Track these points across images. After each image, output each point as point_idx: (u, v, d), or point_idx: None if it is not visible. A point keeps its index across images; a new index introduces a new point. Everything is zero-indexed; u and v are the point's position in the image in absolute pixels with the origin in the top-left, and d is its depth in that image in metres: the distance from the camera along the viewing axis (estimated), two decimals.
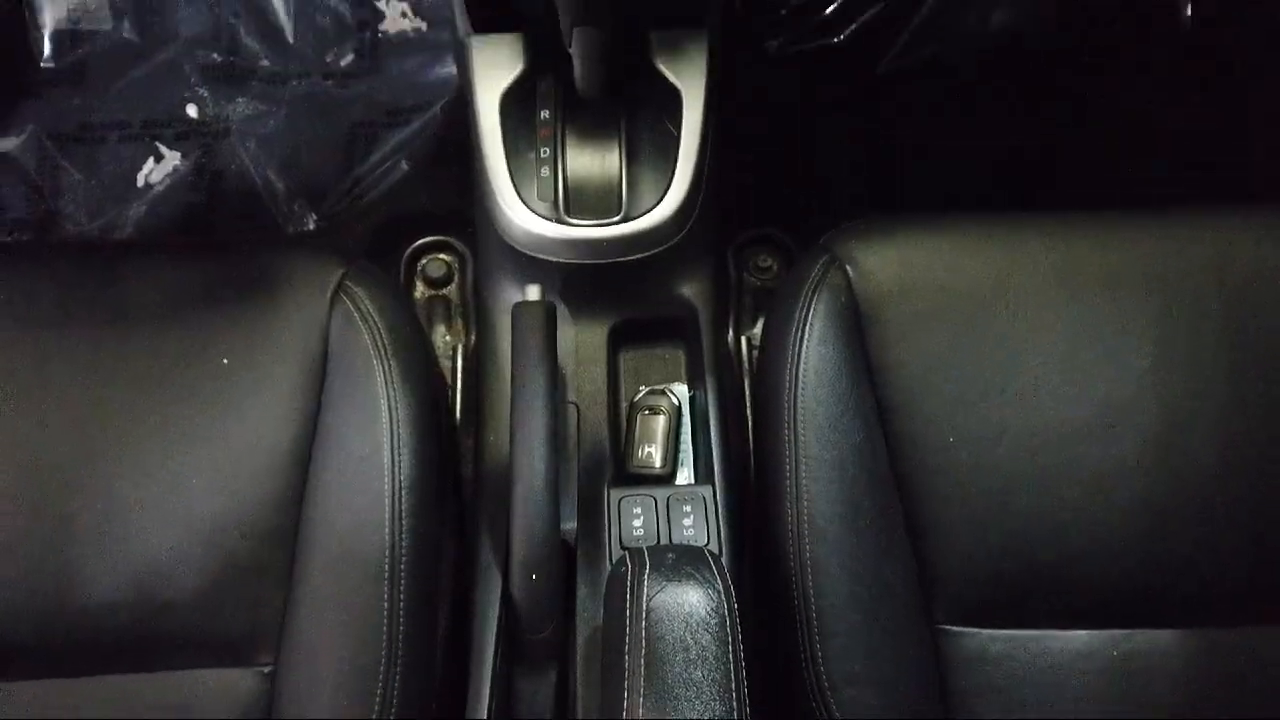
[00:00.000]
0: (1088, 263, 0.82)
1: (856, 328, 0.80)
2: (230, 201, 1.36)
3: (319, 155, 1.38)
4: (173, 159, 1.38)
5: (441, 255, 1.26)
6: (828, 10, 1.40)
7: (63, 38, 1.42)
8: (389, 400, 0.77)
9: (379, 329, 0.79)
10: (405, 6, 1.43)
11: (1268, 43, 1.32)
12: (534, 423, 0.80)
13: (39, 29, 1.42)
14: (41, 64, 1.41)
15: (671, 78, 0.91)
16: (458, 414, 1.11)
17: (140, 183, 1.37)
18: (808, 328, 0.79)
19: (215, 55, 1.41)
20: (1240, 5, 1.32)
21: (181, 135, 1.39)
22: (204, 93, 1.40)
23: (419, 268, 1.26)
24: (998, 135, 1.37)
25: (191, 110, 1.40)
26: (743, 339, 1.18)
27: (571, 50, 0.81)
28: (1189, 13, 1.32)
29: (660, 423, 0.94)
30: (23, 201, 1.36)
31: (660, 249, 0.91)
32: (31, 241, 1.34)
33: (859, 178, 1.38)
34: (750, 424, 1.07)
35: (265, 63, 1.41)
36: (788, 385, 0.79)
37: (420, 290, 1.26)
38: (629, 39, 0.90)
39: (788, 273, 1.24)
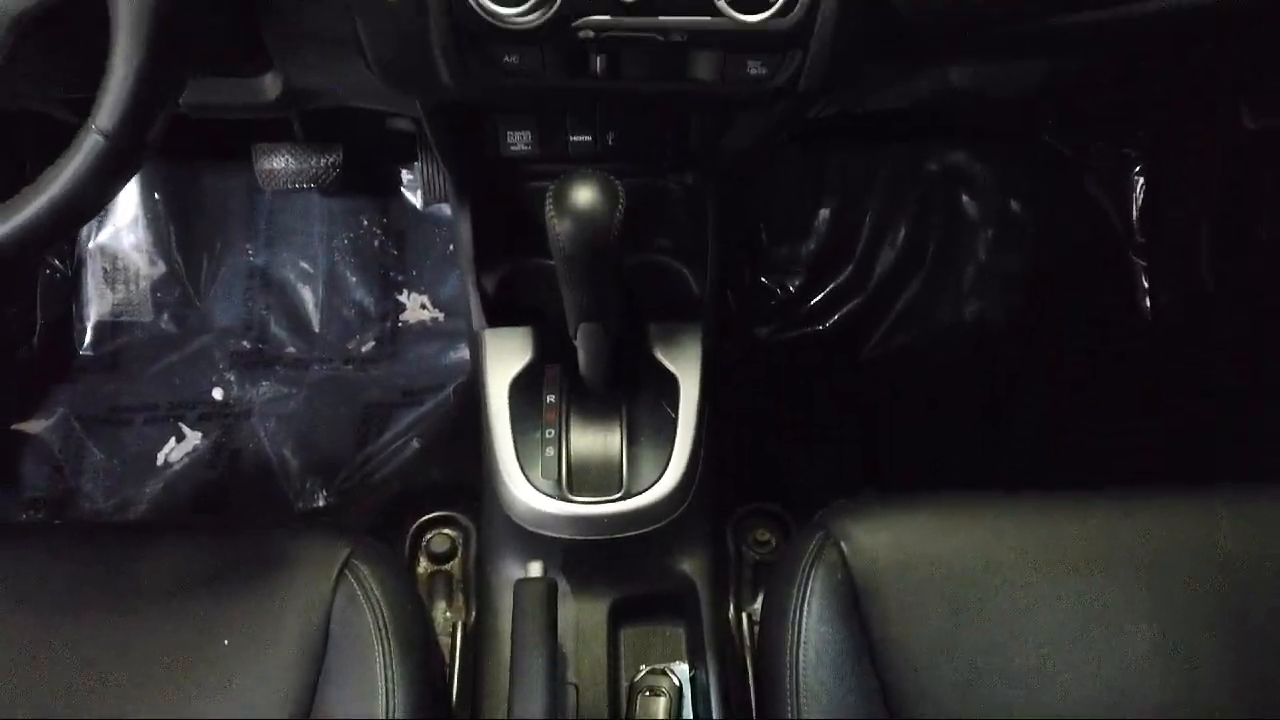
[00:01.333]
0: (1079, 544, 0.84)
1: (855, 605, 0.81)
2: (245, 478, 1.41)
3: (334, 434, 1.44)
4: (194, 438, 1.44)
5: (446, 530, 1.29)
6: (812, 302, 1.52)
7: (104, 328, 1.53)
8: (387, 681, 0.77)
9: (381, 609, 0.81)
10: (425, 299, 1.55)
11: (1234, 337, 1.42)
12: (533, 708, 0.80)
13: (83, 321, 1.53)
14: (80, 352, 1.51)
15: (669, 366, 0.99)
16: (454, 693, 1.09)
17: (160, 461, 1.42)
18: (806, 606, 0.80)
19: (245, 343, 1.52)
20: (1203, 302, 1.44)
21: (205, 416, 1.46)
22: (231, 376, 1.49)
23: (424, 543, 1.28)
24: (983, 414, 1.44)
25: (217, 393, 1.48)
26: (744, 615, 1.17)
27: (577, 343, 0.89)
28: (1148, 305, 1.44)
29: (661, 705, 0.93)
30: (43, 480, 1.40)
31: (659, 525, 0.94)
32: (45, 521, 1.37)
33: (852, 451, 1.43)
34: (754, 705, 1.04)
35: (291, 349, 1.51)
36: (789, 667, 0.78)
37: (423, 565, 1.27)
38: (629, 332, 0.98)
39: (785, 548, 1.26)
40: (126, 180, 0.58)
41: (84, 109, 0.75)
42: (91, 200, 0.56)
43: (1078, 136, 1.53)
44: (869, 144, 1.51)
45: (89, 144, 0.54)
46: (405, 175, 1.54)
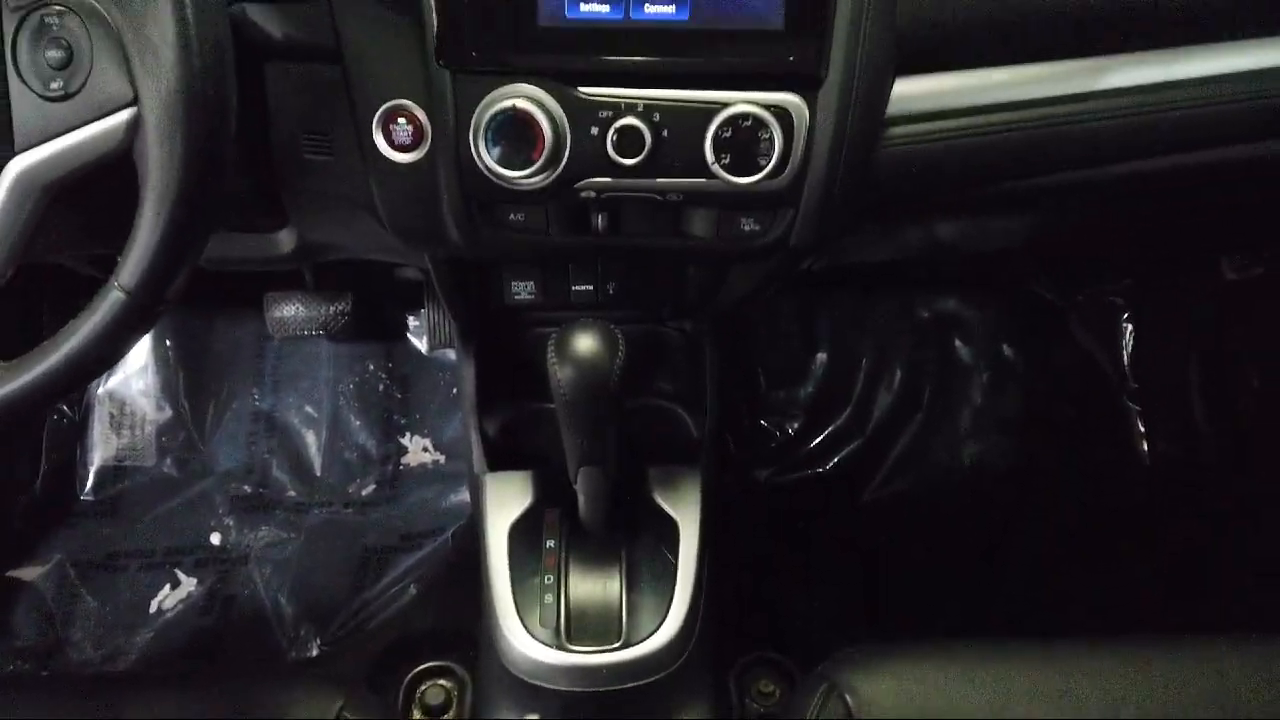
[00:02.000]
0: (1090, 697, 0.82)
1: None
2: (238, 626, 1.38)
3: (331, 579, 1.42)
4: (188, 585, 1.42)
5: (441, 681, 1.25)
6: (811, 444, 1.54)
7: (106, 473, 1.53)
8: None
9: None
10: (427, 442, 1.56)
11: (1227, 478, 1.43)
12: None
13: (86, 466, 1.54)
14: (81, 497, 1.51)
15: (669, 510, 0.99)
16: None
17: (153, 609, 1.40)
18: None
19: (246, 486, 1.52)
20: (1196, 445, 1.46)
21: (201, 562, 1.45)
22: (230, 521, 1.48)
23: (418, 694, 1.25)
24: (980, 556, 1.43)
25: (215, 538, 1.47)
26: None
27: (577, 487, 0.90)
28: (1145, 449, 1.46)
29: None
30: (33, 629, 1.38)
31: (659, 676, 0.92)
32: (32, 672, 1.34)
33: (852, 594, 1.41)
34: None
35: (291, 493, 1.51)
36: None
37: (417, 717, 1.23)
38: (629, 476, 0.99)
39: (789, 700, 1.23)
40: (143, 335, 0.60)
41: (104, 264, 0.78)
42: (108, 355, 0.58)
43: (1064, 285, 1.58)
44: (862, 292, 1.56)
45: (110, 300, 0.56)
46: (411, 321, 1.58)
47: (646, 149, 0.69)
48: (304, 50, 0.73)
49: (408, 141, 0.73)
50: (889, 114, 0.72)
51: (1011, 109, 0.74)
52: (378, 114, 0.73)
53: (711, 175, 0.70)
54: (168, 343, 1.56)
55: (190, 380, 1.56)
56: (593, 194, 0.72)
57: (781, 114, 0.68)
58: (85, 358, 0.57)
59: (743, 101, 0.68)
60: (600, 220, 0.76)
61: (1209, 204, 1.02)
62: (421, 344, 1.59)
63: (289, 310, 1.39)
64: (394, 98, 0.72)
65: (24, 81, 0.53)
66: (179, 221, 0.55)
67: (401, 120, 0.73)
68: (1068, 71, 0.74)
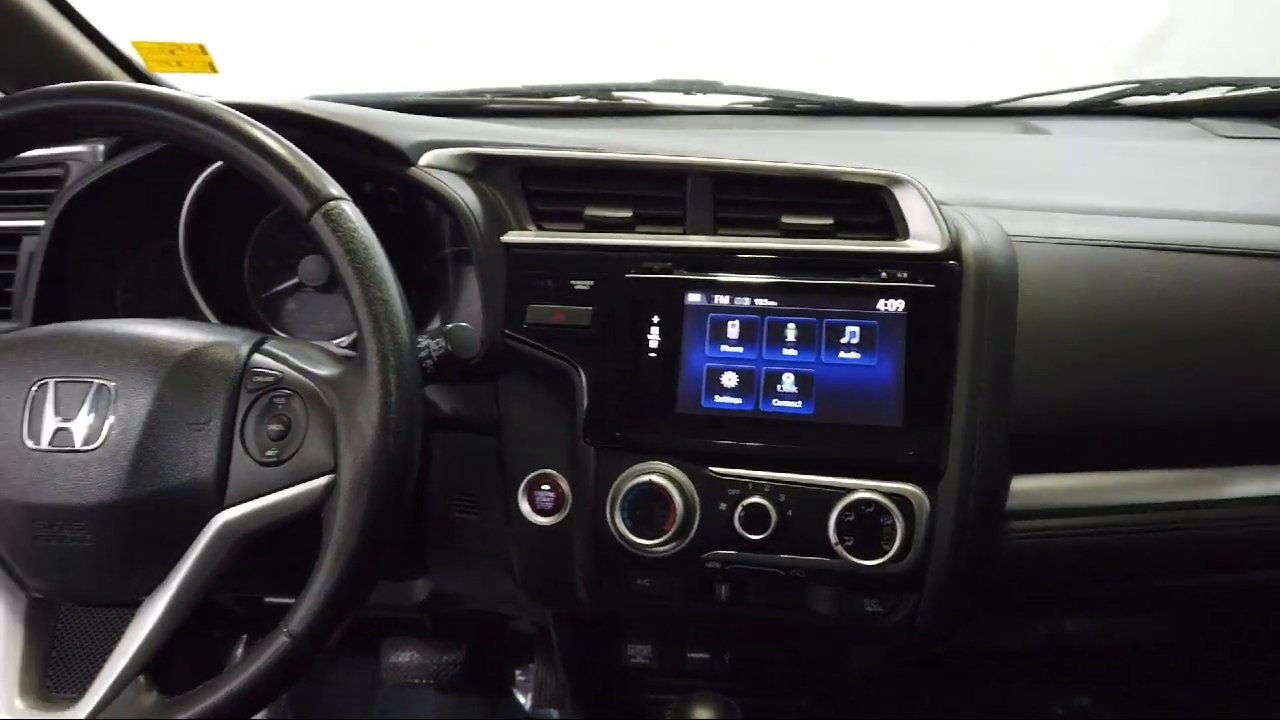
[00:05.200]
0: None
1: None
2: None
3: None
4: None
5: None
6: None
7: None
8: None
9: None
10: None
11: None
12: None
13: None
14: None
15: None
16: None
17: None
18: None
19: None
20: None
21: None
22: None
23: None
24: None
25: None
26: None
27: None
28: None
29: None
30: None
31: None
32: None
33: None
34: None
35: None
36: None
37: None
38: None
39: None
40: (298, 681, 0.63)
41: (251, 604, 0.84)
42: (266, 699, 0.61)
43: (1219, 697, 1.46)
44: (991, 681, 1.47)
45: (277, 646, 0.60)
46: (518, 675, 1.57)
47: (772, 527, 0.73)
48: (466, 423, 0.82)
49: (549, 507, 0.79)
50: (1008, 507, 0.75)
51: (1131, 511, 0.75)
52: (525, 481, 0.80)
53: (835, 555, 0.72)
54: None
55: None
56: (718, 565, 0.75)
57: (903, 502, 0.72)
58: (245, 700, 0.60)
59: (865, 489, 0.72)
60: (724, 590, 0.78)
61: None
62: (525, 699, 1.56)
63: (405, 657, 1.41)
64: (541, 467, 0.80)
65: (245, 449, 0.62)
66: (354, 574, 0.60)
67: (545, 487, 0.79)
68: (1190, 479, 0.76)
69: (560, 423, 0.79)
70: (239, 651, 1.32)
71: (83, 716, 0.60)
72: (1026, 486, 0.76)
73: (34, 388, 0.62)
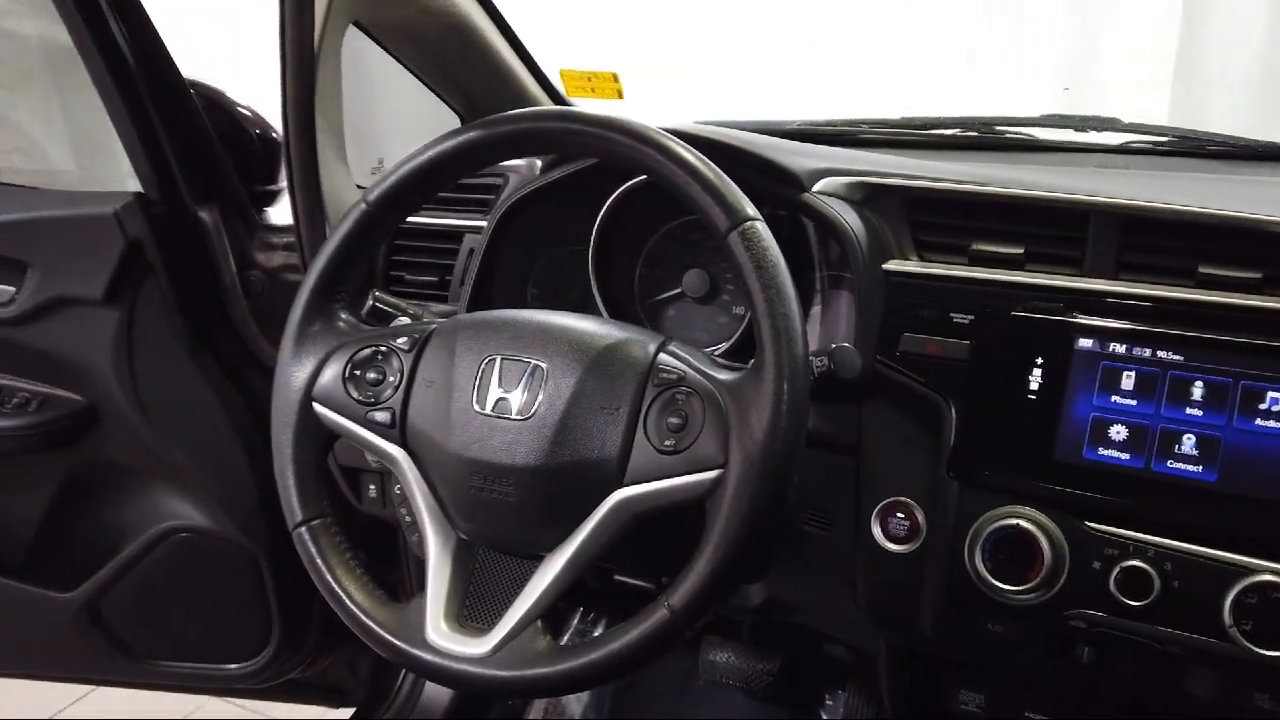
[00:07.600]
0: None
1: None
2: None
3: None
4: None
5: None
6: None
7: None
8: None
9: None
10: None
11: None
12: None
13: None
14: None
15: None
16: None
17: None
18: None
19: None
20: None
21: None
22: None
23: None
24: None
25: None
26: None
27: None
28: None
29: None
30: None
31: None
32: None
33: None
34: None
35: None
36: None
37: None
38: None
39: None
40: (667, 653, 0.69)
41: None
42: (641, 660, 0.68)
43: None
44: None
45: (657, 616, 0.66)
46: (827, 699, 1.57)
47: (1153, 595, 0.68)
48: (827, 440, 0.85)
49: (902, 534, 0.80)
50: None
51: None
52: (879, 506, 0.81)
53: (1227, 639, 0.66)
54: None
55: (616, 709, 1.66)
56: (1082, 624, 0.72)
57: None
58: (624, 659, 0.67)
59: (1273, 572, 0.65)
60: (1087, 653, 0.74)
61: None
62: None
63: (723, 657, 1.46)
64: (897, 494, 0.81)
65: (646, 436, 0.69)
66: (731, 561, 0.65)
67: (900, 515, 0.80)
68: None
69: (921, 452, 0.79)
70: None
71: (489, 648, 0.69)
72: None
73: (484, 362, 0.73)
